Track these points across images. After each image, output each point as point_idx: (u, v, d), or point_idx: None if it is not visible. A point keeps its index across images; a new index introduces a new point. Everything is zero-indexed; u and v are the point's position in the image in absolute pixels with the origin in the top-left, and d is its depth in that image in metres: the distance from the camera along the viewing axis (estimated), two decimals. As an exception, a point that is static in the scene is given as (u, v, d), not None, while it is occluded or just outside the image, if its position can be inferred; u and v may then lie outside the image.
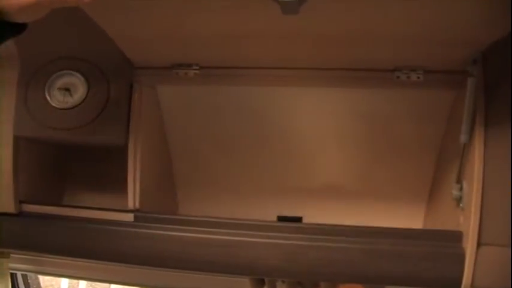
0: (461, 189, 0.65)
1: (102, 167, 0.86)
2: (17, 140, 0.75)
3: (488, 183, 0.61)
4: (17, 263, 1.07)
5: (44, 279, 1.40)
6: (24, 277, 1.25)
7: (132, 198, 0.73)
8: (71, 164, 0.88)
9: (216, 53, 0.69)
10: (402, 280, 0.66)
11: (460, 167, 0.64)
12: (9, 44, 0.72)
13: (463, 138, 0.63)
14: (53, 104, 0.73)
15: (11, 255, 0.84)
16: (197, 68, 0.72)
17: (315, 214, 0.80)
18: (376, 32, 0.60)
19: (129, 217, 0.71)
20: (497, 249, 0.61)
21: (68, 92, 0.73)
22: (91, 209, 0.74)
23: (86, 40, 0.72)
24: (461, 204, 0.64)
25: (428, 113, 0.71)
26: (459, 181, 0.65)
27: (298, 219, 0.83)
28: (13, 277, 1.18)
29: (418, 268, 0.64)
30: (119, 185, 0.76)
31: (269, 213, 0.81)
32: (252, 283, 0.90)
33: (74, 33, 0.72)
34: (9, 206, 0.74)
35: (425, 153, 0.76)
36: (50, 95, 0.74)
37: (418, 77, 0.67)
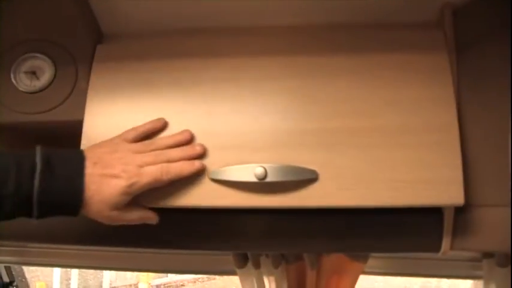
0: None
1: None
2: None
3: (466, 139, 0.62)
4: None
5: (28, 270, 1.40)
6: (8, 269, 1.25)
7: None
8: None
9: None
10: (385, 247, 0.68)
11: None
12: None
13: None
14: (20, 89, 0.71)
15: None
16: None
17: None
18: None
19: None
20: (475, 210, 0.62)
21: (34, 75, 0.71)
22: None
23: (51, 21, 0.70)
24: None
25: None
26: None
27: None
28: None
29: (400, 235, 0.65)
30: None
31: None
32: (235, 259, 0.92)
33: (38, 14, 0.70)
34: None
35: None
36: (16, 80, 0.71)
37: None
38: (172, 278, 8.78)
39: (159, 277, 8.54)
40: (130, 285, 7.10)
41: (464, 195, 0.58)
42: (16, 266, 1.28)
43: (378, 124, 0.62)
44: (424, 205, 0.60)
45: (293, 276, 0.93)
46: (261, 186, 0.60)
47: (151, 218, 0.60)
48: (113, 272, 6.42)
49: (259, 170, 0.59)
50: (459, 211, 0.62)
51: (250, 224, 0.67)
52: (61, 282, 5.37)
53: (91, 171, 0.53)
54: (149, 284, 8.01)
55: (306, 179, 0.60)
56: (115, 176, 0.53)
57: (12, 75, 0.71)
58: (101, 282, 6.03)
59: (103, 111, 0.68)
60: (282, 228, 0.67)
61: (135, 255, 1.07)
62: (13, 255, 1.12)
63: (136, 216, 0.58)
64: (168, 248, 0.78)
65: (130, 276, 7.34)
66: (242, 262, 0.92)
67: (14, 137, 0.79)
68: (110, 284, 6.24)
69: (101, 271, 6.09)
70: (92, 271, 5.89)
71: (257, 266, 0.91)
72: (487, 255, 0.87)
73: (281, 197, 0.61)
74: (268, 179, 0.59)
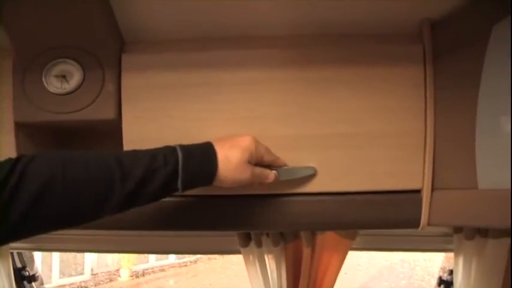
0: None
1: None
2: (18, 127, 0.82)
3: (439, 137, 0.75)
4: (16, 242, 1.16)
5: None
6: (20, 255, 1.33)
7: None
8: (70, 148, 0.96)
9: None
10: (372, 224, 0.81)
11: None
12: (2, 36, 0.79)
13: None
14: (51, 91, 0.80)
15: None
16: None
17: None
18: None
19: None
20: (447, 192, 0.75)
21: (64, 78, 0.80)
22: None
23: (80, 29, 0.78)
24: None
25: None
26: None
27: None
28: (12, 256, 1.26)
29: (385, 213, 0.79)
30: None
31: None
32: (240, 238, 1.04)
33: (67, 22, 0.78)
34: None
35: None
36: (47, 82, 0.80)
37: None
38: (153, 263, 8.87)
39: (140, 263, 8.62)
40: (112, 272, 7.17)
41: (435, 181, 0.75)
42: (27, 252, 1.36)
43: (362, 130, 0.78)
44: (395, 189, 0.78)
45: (290, 253, 1.05)
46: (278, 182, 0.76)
47: (270, 175, 0.74)
48: (94, 259, 6.46)
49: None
50: (434, 194, 0.76)
51: (266, 207, 0.80)
52: (42, 272, 5.39)
53: (219, 144, 0.68)
54: (130, 269, 8.09)
55: (308, 174, 0.77)
56: (238, 145, 0.68)
57: (43, 79, 0.80)
58: (83, 269, 6.05)
59: (138, 114, 0.79)
60: (288, 210, 0.79)
61: (147, 238, 1.18)
62: (28, 242, 1.20)
63: (260, 171, 0.72)
64: (182, 230, 0.89)
65: (111, 263, 7.40)
66: (246, 241, 1.04)
67: (44, 136, 0.88)
68: (92, 271, 6.28)
69: (82, 259, 6.12)
70: (73, 259, 5.92)
71: (259, 244, 1.04)
72: (457, 230, 1.02)
73: (290, 186, 0.78)
74: (281, 178, 0.75)
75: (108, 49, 0.80)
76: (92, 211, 0.58)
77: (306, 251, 1.03)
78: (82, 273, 5.98)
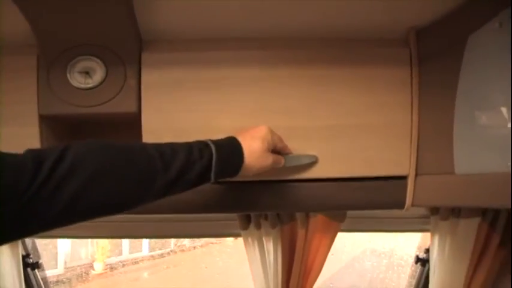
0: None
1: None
2: (42, 119, 0.90)
3: (423, 129, 0.88)
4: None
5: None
6: (23, 242, 1.38)
7: None
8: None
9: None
10: (364, 205, 0.93)
11: None
12: (26, 34, 0.86)
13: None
14: (75, 85, 0.88)
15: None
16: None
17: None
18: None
19: None
20: (429, 177, 0.88)
21: (87, 74, 0.88)
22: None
23: (102, 28, 0.85)
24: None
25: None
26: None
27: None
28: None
29: (375, 196, 0.91)
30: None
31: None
32: (240, 221, 1.14)
33: (90, 21, 0.84)
34: None
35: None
36: (71, 78, 0.88)
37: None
38: (127, 256, 8.85)
39: (114, 255, 8.58)
40: (86, 265, 7.14)
41: (418, 167, 0.88)
42: (28, 239, 1.41)
43: (356, 122, 0.90)
44: (384, 175, 0.90)
45: (286, 235, 1.17)
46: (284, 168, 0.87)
47: (282, 160, 0.84)
48: (68, 252, 6.42)
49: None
50: (417, 179, 0.88)
51: (272, 191, 0.91)
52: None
53: (240, 137, 0.77)
54: (104, 262, 8.07)
55: (310, 162, 0.89)
56: (257, 136, 0.78)
57: (67, 74, 0.88)
58: (56, 263, 6.00)
59: (157, 107, 0.88)
60: (292, 194, 0.91)
61: (159, 224, 1.28)
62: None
63: (276, 157, 0.82)
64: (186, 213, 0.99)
65: (85, 256, 7.36)
66: (246, 224, 1.15)
67: (66, 128, 0.96)
68: (65, 264, 6.24)
69: (55, 253, 6.08)
70: (45, 253, 5.87)
71: (258, 227, 1.15)
72: (434, 211, 1.15)
73: (294, 173, 0.89)
74: (287, 165, 0.86)
75: (129, 47, 0.88)
76: (134, 199, 0.65)
77: (301, 232, 1.15)
78: (55, 267, 5.92)
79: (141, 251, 9.17)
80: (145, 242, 9.20)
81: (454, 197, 0.85)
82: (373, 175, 0.90)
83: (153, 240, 9.32)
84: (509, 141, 0.70)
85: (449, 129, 0.83)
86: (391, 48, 0.90)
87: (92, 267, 7.81)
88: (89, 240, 7.93)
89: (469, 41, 0.79)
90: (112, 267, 8.22)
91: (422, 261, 1.37)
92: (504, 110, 0.73)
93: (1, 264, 1.24)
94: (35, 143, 0.89)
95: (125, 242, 8.92)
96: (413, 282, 1.42)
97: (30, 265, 1.40)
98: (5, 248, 1.24)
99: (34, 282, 1.44)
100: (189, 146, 0.70)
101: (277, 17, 0.86)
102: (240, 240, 1.21)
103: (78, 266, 6.57)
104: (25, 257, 1.38)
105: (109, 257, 8.30)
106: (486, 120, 0.78)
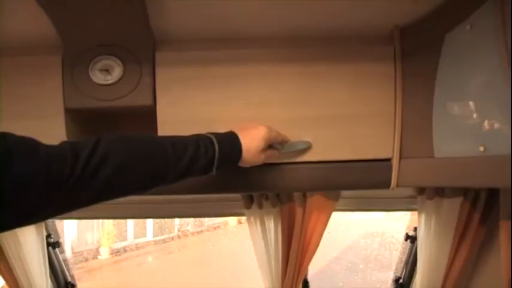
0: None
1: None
2: (67, 112, 1.02)
3: (405, 118, 0.99)
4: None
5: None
6: (45, 222, 1.51)
7: None
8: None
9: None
10: (353, 186, 1.06)
11: None
12: (51, 36, 0.97)
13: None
14: (96, 82, 0.99)
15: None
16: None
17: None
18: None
19: None
20: (411, 160, 1.00)
21: (107, 72, 1.00)
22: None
23: (119, 30, 0.96)
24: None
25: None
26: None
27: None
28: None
29: (364, 177, 1.03)
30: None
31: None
32: (244, 201, 1.27)
33: (109, 24, 0.95)
34: None
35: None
36: (92, 75, 0.99)
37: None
38: (132, 241, 9.04)
39: (120, 241, 8.77)
40: (92, 250, 7.34)
41: (402, 152, 1.01)
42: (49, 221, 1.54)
43: (346, 112, 1.02)
44: (371, 158, 1.03)
45: (285, 213, 1.30)
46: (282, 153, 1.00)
47: (274, 155, 0.97)
48: (74, 238, 6.60)
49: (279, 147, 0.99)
50: (401, 162, 1.00)
51: (274, 173, 1.04)
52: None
53: (241, 134, 0.90)
54: (110, 247, 8.27)
55: (305, 147, 1.01)
56: (256, 137, 0.90)
57: (89, 72, 0.99)
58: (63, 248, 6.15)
59: (170, 101, 1.00)
60: (290, 175, 1.03)
61: (166, 206, 1.41)
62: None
63: (269, 153, 0.95)
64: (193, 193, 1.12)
65: (91, 241, 7.56)
66: (249, 203, 1.28)
67: (87, 120, 1.07)
68: (72, 249, 6.42)
69: (62, 238, 6.24)
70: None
71: (260, 206, 1.27)
72: (420, 191, 1.28)
73: (291, 157, 1.02)
74: (284, 151, 0.98)
75: (143, 47, 1.00)
76: (152, 185, 0.79)
77: (299, 211, 1.28)
78: (62, 252, 6.05)
79: (145, 236, 9.38)
80: (149, 227, 9.41)
81: (433, 178, 0.97)
82: (361, 158, 1.02)
83: (157, 226, 9.53)
84: (471, 131, 0.82)
85: (428, 118, 0.95)
86: (377, 45, 1.01)
87: (98, 252, 8.03)
88: (95, 225, 8.14)
89: (445, 39, 0.90)
90: (117, 252, 8.44)
91: (411, 238, 1.50)
92: (471, 103, 0.85)
93: (27, 243, 1.37)
94: (61, 133, 1.01)
95: (130, 228, 9.13)
96: (404, 258, 1.55)
97: (51, 244, 1.53)
98: (31, 228, 1.37)
99: (55, 260, 1.58)
100: (197, 143, 0.83)
101: (275, 19, 0.97)
102: (241, 226, 1.35)
103: (85, 250, 6.75)
104: (47, 236, 1.51)
105: (115, 242, 8.52)
106: (457, 111, 0.89)
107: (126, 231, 8.93)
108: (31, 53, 1.01)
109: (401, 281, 1.56)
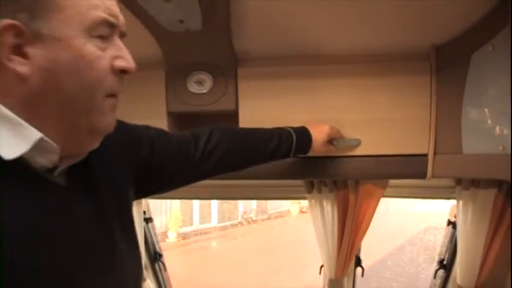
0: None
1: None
2: (169, 114, 1.34)
3: (439, 121, 1.22)
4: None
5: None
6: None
7: None
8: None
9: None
10: (395, 175, 1.30)
11: None
12: (160, 57, 1.29)
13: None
14: (192, 91, 1.30)
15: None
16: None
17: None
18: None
19: None
20: (444, 155, 1.22)
21: (200, 83, 1.30)
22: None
23: (210, 51, 1.27)
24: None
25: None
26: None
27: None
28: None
29: (404, 168, 1.27)
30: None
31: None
32: (306, 186, 1.54)
33: (202, 47, 1.25)
34: None
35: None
36: (189, 86, 1.30)
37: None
38: (197, 226, 9.60)
39: (186, 226, 9.34)
40: (160, 233, 7.94)
41: (436, 147, 1.21)
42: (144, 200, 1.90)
43: (389, 116, 1.26)
44: (411, 153, 1.26)
45: (341, 198, 1.55)
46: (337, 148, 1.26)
47: (333, 149, 1.24)
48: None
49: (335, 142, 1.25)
50: (436, 157, 1.23)
51: (332, 163, 1.30)
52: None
53: (311, 129, 1.18)
54: (177, 232, 8.90)
55: (356, 144, 1.27)
56: (322, 131, 1.20)
57: (187, 84, 1.30)
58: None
59: (249, 107, 1.30)
60: (344, 166, 1.30)
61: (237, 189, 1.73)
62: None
63: (328, 147, 1.22)
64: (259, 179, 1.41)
65: (159, 226, 8.17)
66: (310, 188, 1.55)
67: (185, 120, 1.39)
68: (144, 231, 6.93)
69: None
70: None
71: (319, 191, 1.54)
72: (458, 182, 1.48)
73: (345, 151, 1.28)
74: (339, 146, 1.25)
75: (229, 65, 1.29)
76: (248, 165, 1.11)
77: (352, 196, 1.53)
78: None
79: (210, 222, 9.92)
80: (214, 214, 9.96)
81: (462, 170, 1.20)
82: (403, 153, 1.26)
83: (221, 212, 10.03)
84: (493, 133, 1.04)
85: (458, 121, 1.17)
86: (415, 61, 1.24)
87: (166, 235, 8.66)
88: (163, 210, 8.77)
89: (472, 57, 1.12)
90: (184, 236, 9.04)
91: (453, 224, 1.69)
92: (492, 110, 1.06)
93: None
94: None
95: (196, 214, 9.73)
96: (447, 241, 1.75)
97: (146, 219, 1.90)
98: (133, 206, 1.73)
99: (148, 233, 1.95)
100: (280, 133, 1.12)
101: (334, 41, 1.23)
102: (302, 215, 1.62)
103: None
104: (143, 213, 1.87)
105: (181, 226, 9.14)
106: (481, 116, 1.11)
107: (191, 217, 9.53)
108: (140, 68, 1.34)
109: (444, 262, 1.76)
